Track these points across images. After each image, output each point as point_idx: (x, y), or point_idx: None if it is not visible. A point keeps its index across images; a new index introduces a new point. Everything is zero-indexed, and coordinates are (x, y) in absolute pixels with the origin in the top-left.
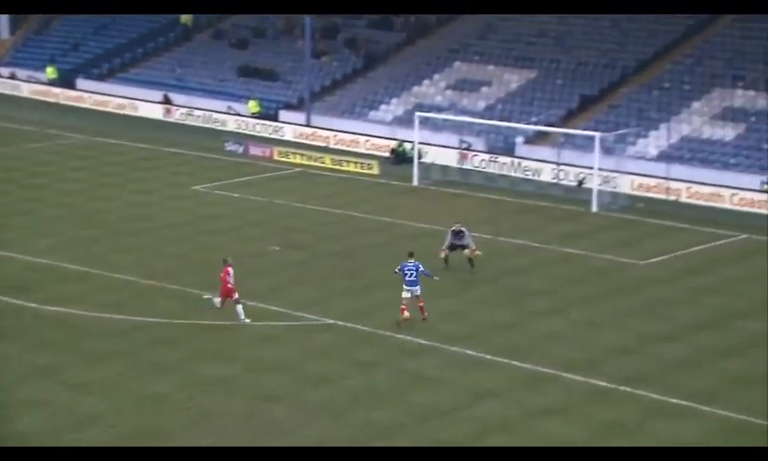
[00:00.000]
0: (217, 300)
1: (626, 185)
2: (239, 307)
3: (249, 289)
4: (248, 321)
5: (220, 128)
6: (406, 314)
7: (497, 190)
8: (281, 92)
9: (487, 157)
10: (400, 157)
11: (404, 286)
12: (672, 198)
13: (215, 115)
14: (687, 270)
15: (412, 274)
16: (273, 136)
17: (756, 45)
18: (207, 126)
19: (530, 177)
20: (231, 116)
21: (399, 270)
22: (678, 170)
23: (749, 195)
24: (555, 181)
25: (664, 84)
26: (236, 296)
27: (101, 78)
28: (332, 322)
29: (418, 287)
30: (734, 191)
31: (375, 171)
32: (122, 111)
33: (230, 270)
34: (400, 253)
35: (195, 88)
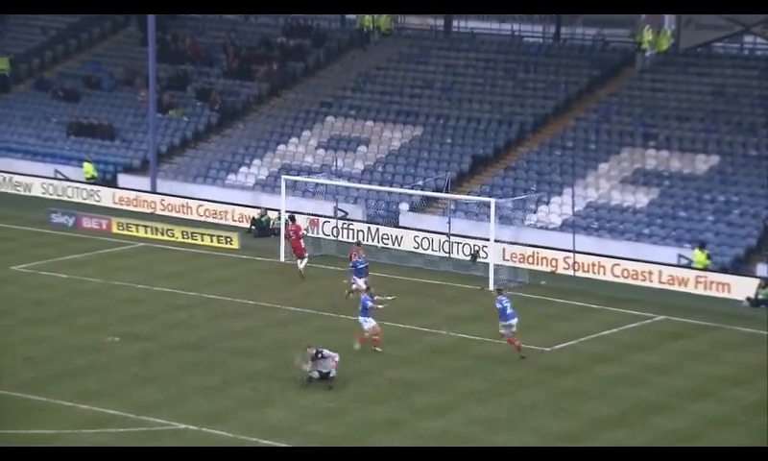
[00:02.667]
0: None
1: (497, 257)
2: (303, 262)
3: (81, 388)
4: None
5: (23, 194)
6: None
7: (380, 266)
8: (120, 153)
9: (339, 224)
10: (264, 229)
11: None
12: (580, 274)
13: (16, 179)
14: (598, 357)
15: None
16: (87, 202)
17: (667, 99)
18: (9, 191)
19: (416, 250)
20: (36, 179)
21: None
22: (584, 241)
23: (665, 270)
24: (446, 254)
25: (567, 143)
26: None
27: None
28: (183, 426)
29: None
30: (650, 266)
31: (236, 245)
32: None
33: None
34: (266, 342)
35: (14, 149)
